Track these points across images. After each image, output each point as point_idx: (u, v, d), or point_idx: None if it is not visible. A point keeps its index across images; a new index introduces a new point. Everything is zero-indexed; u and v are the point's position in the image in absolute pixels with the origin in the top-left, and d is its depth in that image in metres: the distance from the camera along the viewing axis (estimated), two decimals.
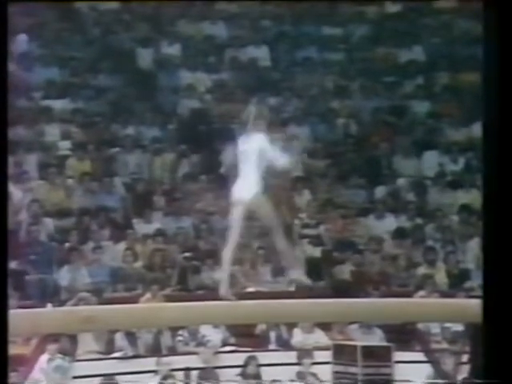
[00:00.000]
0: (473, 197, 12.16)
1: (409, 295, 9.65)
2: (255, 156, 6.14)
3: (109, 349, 9.35)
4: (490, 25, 4.99)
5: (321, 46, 14.21)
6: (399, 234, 11.43)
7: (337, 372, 7.99)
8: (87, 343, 9.20)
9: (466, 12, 14.35)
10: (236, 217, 6.17)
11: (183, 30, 14.13)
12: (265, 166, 6.10)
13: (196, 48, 13.89)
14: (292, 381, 9.02)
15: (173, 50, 13.86)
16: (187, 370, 8.96)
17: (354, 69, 13.99)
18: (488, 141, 5.03)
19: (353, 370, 7.79)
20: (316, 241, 11.38)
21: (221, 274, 6.23)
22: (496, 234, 4.96)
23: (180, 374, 8.89)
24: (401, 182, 12.38)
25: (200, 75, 13.54)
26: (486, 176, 5.04)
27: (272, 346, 9.84)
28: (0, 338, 4.71)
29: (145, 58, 13.74)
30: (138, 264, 10.62)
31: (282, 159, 6.11)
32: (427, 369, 8.28)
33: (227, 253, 6.16)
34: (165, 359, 9.02)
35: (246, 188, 6.13)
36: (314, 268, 10.96)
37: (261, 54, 14.05)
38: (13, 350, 8.74)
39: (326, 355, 8.42)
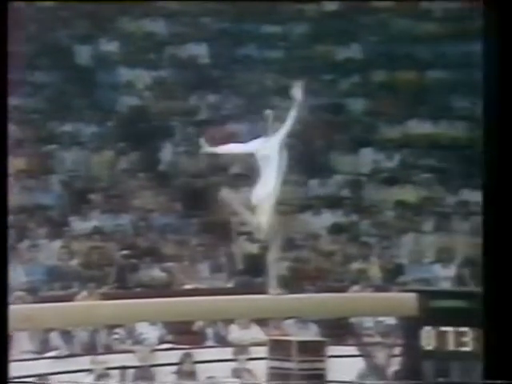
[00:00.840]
0: (407, 193, 12.40)
1: (344, 290, 9.80)
2: (274, 160, 6.25)
3: (43, 348, 9.30)
4: (490, 24, 5.09)
5: (260, 44, 14.30)
6: (335, 229, 11.59)
7: (272, 367, 8.07)
8: (21, 343, 9.14)
9: (403, 11, 14.59)
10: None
11: (123, 27, 14.09)
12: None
13: (135, 45, 13.87)
14: (227, 377, 9.07)
15: (112, 46, 13.81)
16: (123, 368, 8.95)
17: (293, 66, 14.12)
18: (488, 140, 5.13)
19: (288, 365, 7.88)
20: (253, 237, 11.46)
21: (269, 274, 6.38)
22: (496, 233, 5.07)
23: (116, 373, 8.88)
24: (337, 178, 12.55)
25: (139, 72, 13.52)
26: (486, 175, 5.14)
27: (209, 343, 9.89)
28: (0, 339, 4.69)
29: (83, 54, 13.67)
30: (75, 262, 10.58)
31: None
32: (360, 363, 8.43)
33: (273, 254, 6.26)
34: (100, 358, 9.00)
35: (267, 191, 6.25)
36: (252, 264, 11.06)
37: (201, 51, 14.08)
38: None
39: (262, 351, 8.49)
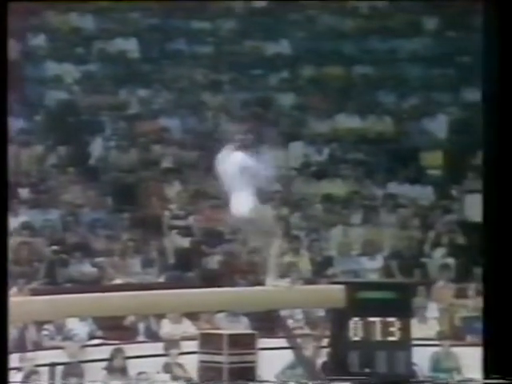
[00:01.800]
0: (336, 186, 12.59)
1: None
2: (240, 173, 6.26)
3: None
4: (490, 22, 5.16)
5: (190, 39, 14.32)
6: None
7: (203, 361, 8.11)
8: None
9: (331, 8, 14.79)
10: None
11: (49, 21, 13.95)
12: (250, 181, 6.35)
13: (63, 40, 13.74)
14: (158, 372, 9.09)
15: (39, 41, 13.66)
16: (52, 365, 8.88)
17: (222, 62, 14.18)
18: (488, 136, 5.20)
19: (218, 358, 7.93)
20: (185, 231, 11.51)
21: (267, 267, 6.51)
22: (496, 234, 5.14)
23: (45, 370, 8.81)
24: None
25: (67, 67, 13.41)
26: (486, 175, 5.21)
27: (141, 338, 9.90)
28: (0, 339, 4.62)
29: (10, 48, 13.46)
30: None
31: (264, 174, 6.45)
32: (289, 354, 8.55)
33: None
34: (29, 355, 8.92)
35: (244, 203, 6.24)
36: (183, 259, 11.10)
37: (130, 46, 14.03)
38: None
39: (194, 345, 8.54)
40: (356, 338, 7.79)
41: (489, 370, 5.26)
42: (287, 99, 13.77)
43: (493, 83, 5.23)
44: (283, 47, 14.50)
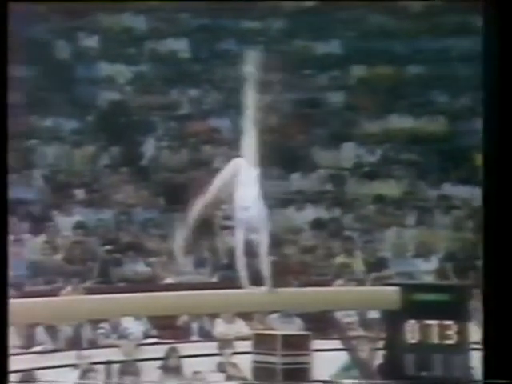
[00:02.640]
0: (389, 187, 12.50)
1: (327, 284, 9.86)
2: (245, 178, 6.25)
3: (29, 343, 9.28)
4: (490, 22, 5.13)
5: (239, 39, 14.34)
6: (317, 224, 11.66)
7: (256, 361, 8.11)
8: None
9: (380, 7, 14.69)
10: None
11: (101, 21, 14.06)
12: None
13: (115, 40, 13.84)
14: (212, 372, 9.10)
15: (91, 41, 13.77)
16: (108, 363, 8.95)
17: (272, 61, 14.16)
18: (488, 138, 5.17)
19: (272, 359, 7.92)
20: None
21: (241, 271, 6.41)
22: (496, 232, 5.11)
23: (101, 368, 8.88)
24: (319, 173, 12.62)
25: (119, 67, 13.51)
26: (486, 175, 5.19)
27: (194, 338, 9.91)
28: (0, 339, 4.68)
29: (62, 49, 13.62)
30: (58, 257, 10.55)
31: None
32: (344, 356, 8.49)
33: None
34: (85, 352, 9.00)
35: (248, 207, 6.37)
36: (235, 259, 11.07)
37: (180, 46, 14.09)
38: None
39: (247, 345, 8.54)
40: (412, 341, 7.72)
41: (489, 371, 5.20)
42: (338, 99, 13.71)
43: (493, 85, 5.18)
44: (333, 47, 14.45)
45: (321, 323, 9.18)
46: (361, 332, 9.64)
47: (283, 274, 10.53)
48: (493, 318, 5.12)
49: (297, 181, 12.46)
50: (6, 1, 4.71)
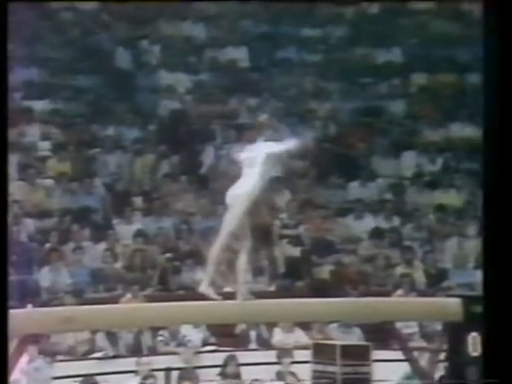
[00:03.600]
0: (450, 197, 12.31)
1: (387, 294, 9.76)
2: (262, 162, 6.13)
3: (89, 349, 9.38)
4: (490, 25, 5.07)
5: (300, 47, 14.31)
6: (376, 233, 11.55)
7: (316, 371, 8.07)
8: (68, 343, 9.24)
9: (443, 13, 14.51)
10: (229, 218, 6.25)
11: (162, 30, 14.18)
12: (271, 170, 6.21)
13: (175, 48, 13.94)
14: (272, 380, 9.09)
15: (152, 50, 13.90)
16: (167, 370, 9.00)
17: (332, 70, 14.11)
18: (488, 140, 5.10)
19: (332, 369, 7.87)
20: (295, 241, 11.48)
21: (204, 274, 6.31)
22: (497, 233, 5.03)
23: (160, 374, 8.93)
24: (379, 182, 12.51)
25: (179, 76, 13.59)
26: (487, 175, 5.11)
27: (252, 346, 9.91)
28: (0, 340, 4.76)
29: (124, 58, 13.77)
30: (119, 264, 10.65)
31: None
32: (405, 367, 8.39)
33: (213, 252, 6.24)
34: (145, 359, 9.07)
35: (245, 190, 6.19)
36: (293, 268, 11.06)
37: (240, 54, 14.12)
38: None
39: (306, 354, 8.50)
40: (475, 354, 7.57)
41: (488, 372, 5.08)
42: (398, 108, 13.58)
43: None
44: (394, 54, 14.32)
45: (381, 334, 9.08)
46: (422, 343, 9.51)
47: (341, 284, 10.47)
48: (493, 317, 5.02)
49: (356, 189, 12.37)
50: (6, 1, 4.75)
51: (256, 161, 6.20)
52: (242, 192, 6.14)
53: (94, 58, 13.58)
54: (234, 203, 6.18)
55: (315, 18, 14.63)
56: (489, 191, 5.11)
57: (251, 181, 6.18)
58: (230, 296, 9.22)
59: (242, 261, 6.28)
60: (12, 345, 8.97)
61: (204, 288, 6.27)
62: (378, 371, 7.95)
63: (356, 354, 7.97)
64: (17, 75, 12.92)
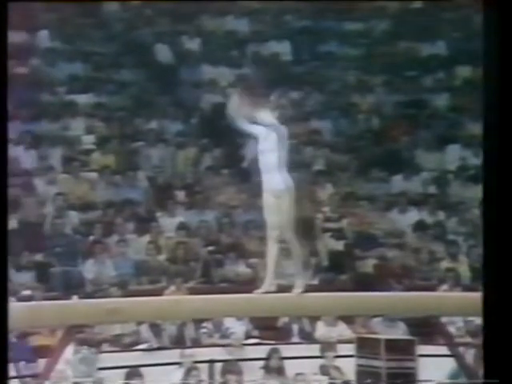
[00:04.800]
0: None
1: (432, 289, 9.66)
2: (277, 148, 6.11)
3: (134, 340, 9.43)
4: (490, 24, 5.02)
5: (342, 41, 14.23)
6: (420, 227, 11.45)
7: (360, 365, 8.02)
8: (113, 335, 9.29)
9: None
10: (269, 209, 6.18)
11: (204, 24, 14.20)
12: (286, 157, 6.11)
13: (217, 43, 13.95)
14: (315, 374, 9.05)
15: (194, 44, 13.92)
16: (211, 362, 9.01)
17: (375, 63, 14.01)
18: (488, 139, 5.05)
19: (376, 363, 7.82)
20: (338, 234, 11.42)
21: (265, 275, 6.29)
22: (497, 232, 4.97)
23: (204, 367, 8.95)
24: (423, 175, 12.40)
25: (222, 70, 13.59)
26: (486, 175, 5.05)
27: (295, 339, 9.88)
28: (0, 340, 4.77)
29: (166, 52, 13.81)
30: (162, 257, 10.70)
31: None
32: (450, 363, 8.30)
33: (271, 253, 6.20)
34: (189, 351, 9.08)
35: (278, 180, 6.13)
36: (336, 261, 11.01)
37: (282, 48, 14.09)
38: (38, 341, 8.92)
39: (349, 348, 8.46)
40: None
41: (488, 371, 4.98)
42: (442, 101, 13.45)
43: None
44: (438, 47, 14.19)
45: (426, 328, 8.99)
46: (468, 339, 9.41)
47: (385, 278, 10.39)
48: (493, 317, 4.93)
49: (400, 183, 12.27)
50: (6, 1, 4.76)
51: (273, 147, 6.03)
52: (284, 187, 6.02)
53: (137, 53, 13.65)
54: (278, 198, 6.07)
55: (357, 12, 14.53)
56: (489, 190, 5.04)
57: (283, 169, 6.03)
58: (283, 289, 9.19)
59: (295, 253, 6.20)
60: (58, 335, 9.06)
61: (267, 288, 6.24)
62: (423, 366, 7.86)
63: (401, 349, 7.91)
64: (61, 70, 13.06)
